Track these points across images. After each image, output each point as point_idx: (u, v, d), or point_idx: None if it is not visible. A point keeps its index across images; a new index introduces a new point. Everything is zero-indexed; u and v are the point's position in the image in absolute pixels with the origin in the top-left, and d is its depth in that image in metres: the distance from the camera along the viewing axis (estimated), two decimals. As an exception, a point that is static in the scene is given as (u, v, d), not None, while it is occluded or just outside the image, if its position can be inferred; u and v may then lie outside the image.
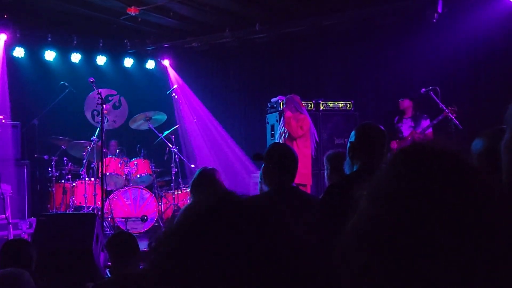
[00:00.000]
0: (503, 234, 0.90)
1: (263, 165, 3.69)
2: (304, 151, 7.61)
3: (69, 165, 9.09)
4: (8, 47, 9.70)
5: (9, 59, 9.73)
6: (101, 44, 10.76)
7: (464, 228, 0.88)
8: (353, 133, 3.26)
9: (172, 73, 11.54)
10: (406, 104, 8.38)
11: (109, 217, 8.56)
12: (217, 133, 11.39)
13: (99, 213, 7.38)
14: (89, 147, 8.80)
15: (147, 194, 8.99)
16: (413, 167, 0.96)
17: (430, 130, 8.02)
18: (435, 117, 7.82)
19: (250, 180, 9.21)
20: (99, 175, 8.06)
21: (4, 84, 9.56)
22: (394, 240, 0.90)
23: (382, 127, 3.32)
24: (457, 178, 0.93)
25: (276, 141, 7.98)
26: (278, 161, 3.61)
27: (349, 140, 3.25)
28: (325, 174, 4.71)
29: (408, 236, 0.89)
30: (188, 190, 6.21)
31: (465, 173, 0.95)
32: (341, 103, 8.98)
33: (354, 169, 3.14)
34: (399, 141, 8.12)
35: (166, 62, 11.47)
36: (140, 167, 9.30)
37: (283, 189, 3.58)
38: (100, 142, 8.03)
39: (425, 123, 8.12)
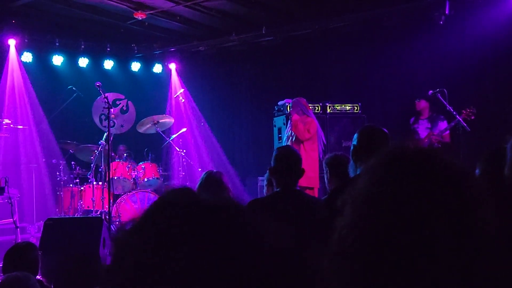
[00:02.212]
0: (495, 229, 0.89)
1: (269, 168, 3.74)
2: (311, 154, 7.60)
3: (77, 169, 9.11)
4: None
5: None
6: (108, 49, 10.80)
7: (452, 230, 0.87)
8: (356, 135, 3.27)
9: (174, 77, 11.56)
10: (422, 105, 8.24)
11: (117, 221, 8.57)
12: (224, 136, 11.40)
13: (107, 217, 7.40)
14: (97, 151, 8.83)
15: (154, 197, 8.99)
16: (393, 173, 0.95)
17: (448, 132, 7.94)
18: (451, 119, 7.73)
19: (257, 184, 9.20)
20: (107, 179, 8.08)
21: (14, 89, 9.64)
22: (380, 249, 0.89)
23: (385, 129, 3.31)
24: (435, 181, 0.92)
25: (283, 144, 7.97)
26: (281, 164, 3.64)
27: (352, 143, 3.25)
28: (325, 178, 4.69)
29: (391, 243, 0.88)
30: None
31: (446, 175, 0.94)
32: (348, 106, 8.96)
33: (358, 172, 3.13)
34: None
35: (172, 66, 11.50)
36: (147, 170, 9.31)
37: (286, 191, 3.60)
38: (107, 146, 8.05)
39: (442, 124, 8.00)
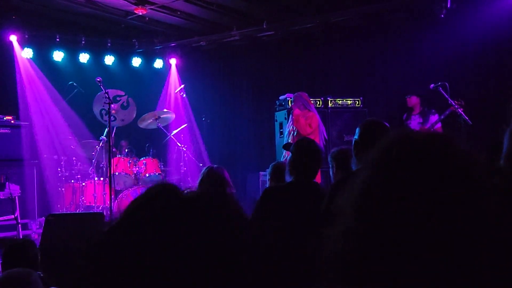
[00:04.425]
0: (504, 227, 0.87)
1: (286, 158, 3.80)
2: (312, 149, 7.57)
3: (78, 165, 9.12)
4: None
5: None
6: (109, 44, 10.78)
7: (463, 227, 0.85)
8: (357, 130, 3.28)
9: (174, 72, 11.55)
10: (413, 101, 8.37)
11: (119, 217, 8.55)
12: (225, 132, 11.39)
13: (108, 212, 7.40)
14: (98, 146, 8.83)
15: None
16: (399, 159, 0.93)
17: (439, 125, 7.97)
18: (443, 112, 7.78)
19: (258, 178, 9.19)
20: (108, 175, 8.08)
21: (16, 85, 9.65)
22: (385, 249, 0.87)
23: (387, 124, 3.30)
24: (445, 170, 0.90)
25: (284, 138, 7.97)
26: (300, 155, 3.67)
27: (354, 137, 3.25)
28: (330, 172, 4.70)
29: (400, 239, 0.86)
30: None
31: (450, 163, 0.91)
32: (350, 100, 8.95)
33: (360, 166, 3.13)
34: None
35: (172, 61, 11.48)
36: (149, 166, 9.31)
37: (300, 182, 3.66)
38: (108, 141, 8.05)
39: (434, 118, 8.07)
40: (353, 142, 3.29)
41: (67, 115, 10.04)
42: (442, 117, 7.78)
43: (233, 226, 0.87)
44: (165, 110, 9.79)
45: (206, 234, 0.83)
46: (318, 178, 7.45)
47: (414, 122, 8.31)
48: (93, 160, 8.93)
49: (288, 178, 3.77)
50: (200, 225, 0.84)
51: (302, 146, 3.82)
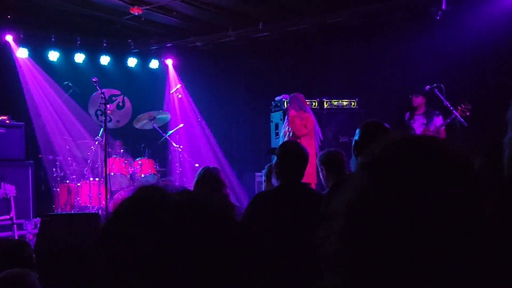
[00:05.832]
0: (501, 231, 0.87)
1: (274, 161, 3.78)
2: (308, 150, 7.55)
3: (74, 165, 9.10)
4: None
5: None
6: (104, 44, 10.76)
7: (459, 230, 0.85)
8: (357, 131, 3.29)
9: (172, 73, 11.53)
10: (419, 100, 8.24)
11: (114, 217, 8.54)
12: (221, 132, 11.38)
13: (104, 213, 7.38)
14: (93, 147, 8.81)
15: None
16: (398, 164, 0.93)
17: (443, 128, 7.93)
18: (447, 114, 7.72)
19: (254, 179, 9.19)
20: (104, 175, 8.07)
21: (15, 85, 9.63)
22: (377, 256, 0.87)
23: (387, 125, 3.31)
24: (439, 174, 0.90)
25: (280, 139, 7.97)
26: (287, 158, 3.66)
27: (354, 138, 3.27)
28: (321, 176, 4.67)
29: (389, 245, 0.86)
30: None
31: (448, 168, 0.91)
32: (345, 101, 8.96)
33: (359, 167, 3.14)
34: None
35: (169, 62, 11.46)
36: (144, 166, 9.29)
37: (289, 185, 3.64)
38: (103, 141, 8.04)
39: (438, 120, 8.00)
40: (353, 143, 3.29)
41: (62, 115, 10.03)
42: (448, 120, 7.70)
43: (220, 228, 0.86)
44: (160, 110, 9.77)
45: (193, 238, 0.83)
46: (314, 179, 7.47)
47: (418, 123, 8.23)
48: (88, 161, 8.91)
49: (274, 182, 3.76)
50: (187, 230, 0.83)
51: (288, 148, 3.83)
